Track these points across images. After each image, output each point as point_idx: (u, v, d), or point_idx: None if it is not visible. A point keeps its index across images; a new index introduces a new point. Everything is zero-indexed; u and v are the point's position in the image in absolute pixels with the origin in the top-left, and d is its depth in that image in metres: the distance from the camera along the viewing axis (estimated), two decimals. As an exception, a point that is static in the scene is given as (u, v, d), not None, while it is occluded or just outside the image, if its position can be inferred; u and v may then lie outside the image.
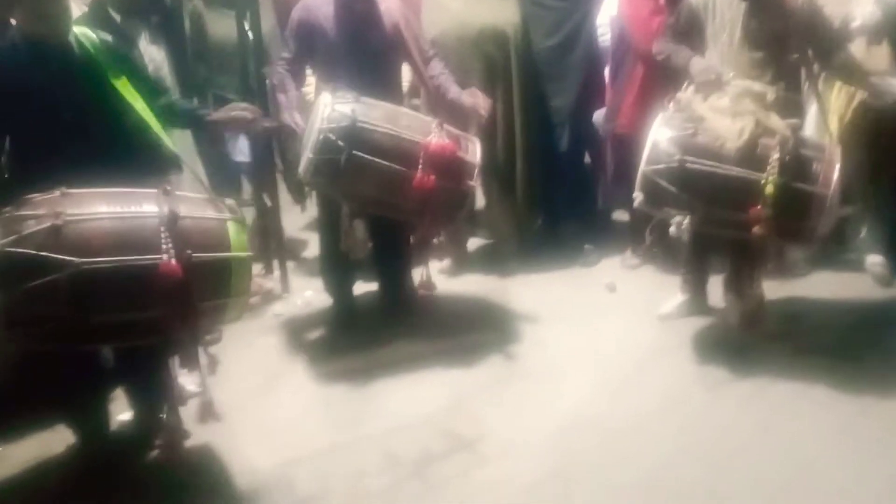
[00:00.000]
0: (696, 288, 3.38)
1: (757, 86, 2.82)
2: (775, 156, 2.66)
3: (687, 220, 2.76)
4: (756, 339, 3.12)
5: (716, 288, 3.39)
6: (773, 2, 2.92)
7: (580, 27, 3.87)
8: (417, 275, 3.49)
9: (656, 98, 3.45)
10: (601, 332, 3.36)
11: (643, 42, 3.64)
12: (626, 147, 3.68)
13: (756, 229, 2.67)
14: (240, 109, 2.61)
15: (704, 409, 2.81)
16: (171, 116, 2.55)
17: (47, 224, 2.03)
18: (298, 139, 3.23)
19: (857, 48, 3.32)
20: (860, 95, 3.37)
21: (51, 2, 2.25)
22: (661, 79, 3.48)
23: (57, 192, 2.11)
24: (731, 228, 2.80)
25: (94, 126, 2.32)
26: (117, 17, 3.21)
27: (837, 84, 3.42)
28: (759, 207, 2.65)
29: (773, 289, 3.43)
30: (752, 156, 2.70)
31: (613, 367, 3.09)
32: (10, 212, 2.08)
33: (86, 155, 2.26)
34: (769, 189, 2.65)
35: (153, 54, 3.35)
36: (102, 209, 2.13)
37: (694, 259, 3.34)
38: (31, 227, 2.04)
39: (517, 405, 2.89)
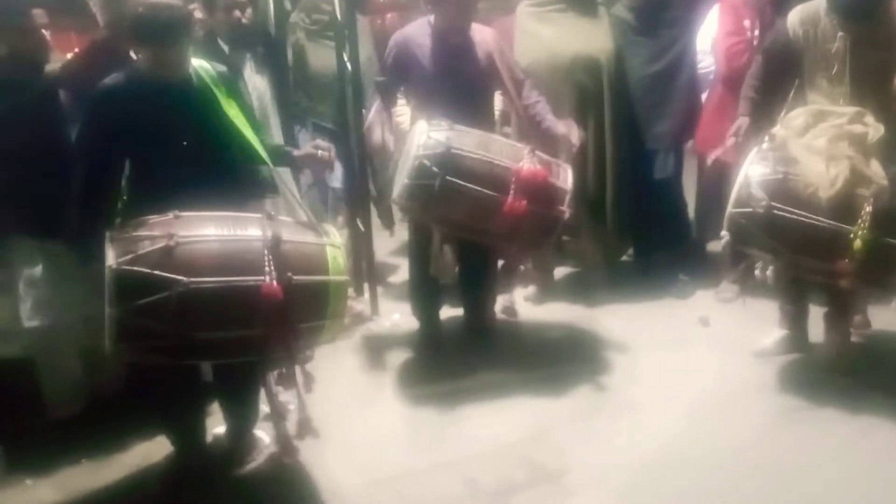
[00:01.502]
0: (795, 323, 3.24)
1: (858, 126, 2.70)
2: (868, 208, 2.55)
3: (772, 265, 2.67)
4: (856, 380, 2.97)
5: (817, 323, 3.25)
6: (881, 32, 2.79)
7: (683, 54, 3.83)
8: (502, 300, 3.51)
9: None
10: (692, 366, 3.27)
11: (725, 65, 3.61)
12: (714, 176, 3.61)
13: (842, 283, 2.59)
14: (319, 148, 2.71)
15: (795, 448, 2.70)
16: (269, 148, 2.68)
17: (161, 245, 2.16)
18: (391, 166, 3.32)
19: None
20: None
21: (175, 53, 2.42)
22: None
23: (170, 215, 2.25)
24: (819, 276, 2.71)
25: (207, 153, 2.47)
26: (225, 48, 3.40)
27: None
28: (846, 261, 2.55)
29: (878, 324, 3.28)
30: (843, 206, 2.59)
31: (703, 402, 3.00)
32: (128, 232, 2.22)
33: (198, 179, 2.40)
34: (857, 244, 2.54)
35: (257, 83, 3.52)
36: (211, 232, 2.25)
37: (791, 294, 3.20)
38: (146, 247, 2.17)
39: (603, 438, 2.85)
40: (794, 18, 2.95)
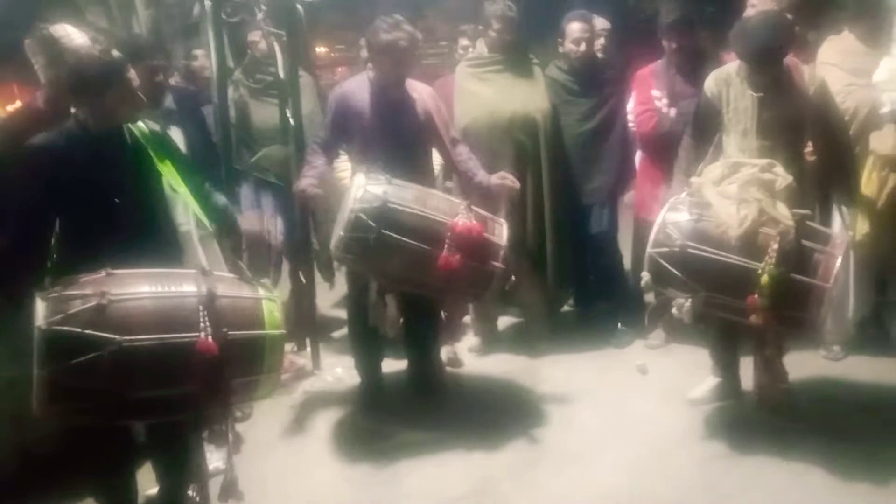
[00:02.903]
0: (726, 371, 3.35)
1: (768, 175, 2.88)
2: (774, 246, 2.70)
3: (688, 303, 2.80)
4: (789, 424, 3.06)
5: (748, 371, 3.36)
6: (785, 91, 3.01)
7: (615, 113, 4.00)
8: (446, 351, 3.52)
9: (660, 181, 3.66)
10: (631, 414, 3.33)
11: (637, 130, 3.86)
12: (642, 230, 3.79)
13: (752, 318, 2.71)
14: (255, 222, 2.78)
15: (734, 495, 2.76)
16: (205, 207, 2.69)
17: (93, 303, 2.13)
18: (331, 219, 3.34)
19: (887, 135, 3.38)
20: (893, 180, 3.41)
21: (108, 102, 2.41)
22: (660, 162, 3.67)
23: (102, 273, 2.22)
24: (732, 314, 2.83)
25: (140, 209, 2.46)
26: None
27: (867, 170, 3.45)
28: (755, 296, 2.68)
29: (808, 371, 3.40)
30: (752, 244, 2.74)
31: (642, 450, 3.05)
32: (59, 291, 2.18)
33: (131, 236, 2.38)
34: (764, 279, 2.68)
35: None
36: (145, 289, 2.24)
37: (720, 342, 3.32)
38: (77, 305, 2.13)
39: (544, 489, 2.86)
40: (710, 81, 3.18)
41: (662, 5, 3.97)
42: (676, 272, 2.81)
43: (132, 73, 2.46)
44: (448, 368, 3.54)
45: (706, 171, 3.02)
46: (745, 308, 2.72)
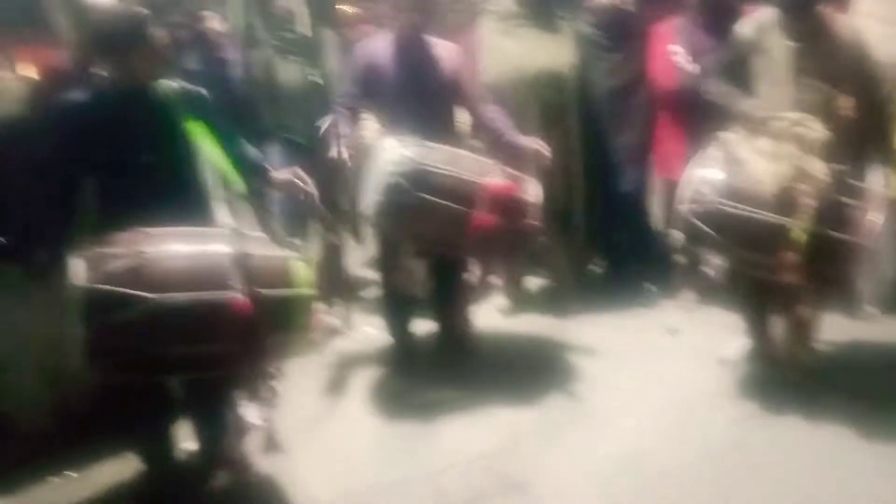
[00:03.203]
0: (758, 331, 3.31)
1: (801, 126, 2.79)
2: (809, 202, 2.63)
3: (722, 262, 2.75)
4: (818, 385, 3.03)
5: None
6: (822, 42, 2.90)
7: (644, 68, 3.91)
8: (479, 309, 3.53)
9: (681, 139, 3.60)
10: (660, 375, 3.31)
11: (655, 88, 3.76)
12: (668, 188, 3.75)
13: (786, 276, 2.64)
14: (298, 178, 2.71)
15: (763, 454, 2.75)
16: (237, 165, 2.67)
17: (128, 262, 2.15)
18: (352, 178, 3.33)
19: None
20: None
21: (135, 60, 2.42)
22: (681, 120, 3.61)
23: (136, 232, 2.24)
24: (767, 272, 2.77)
25: (171, 168, 2.46)
26: None
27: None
28: (788, 253, 2.62)
29: (842, 332, 3.35)
30: (787, 201, 2.67)
31: (671, 411, 3.05)
32: (94, 250, 2.21)
33: (162, 195, 2.39)
34: (800, 235, 2.61)
35: None
36: (178, 247, 2.26)
37: (752, 302, 3.27)
38: (113, 264, 2.16)
39: (573, 448, 2.88)
40: (745, 26, 3.06)
41: None
42: (709, 230, 2.75)
43: (158, 31, 2.44)
44: (479, 326, 3.54)
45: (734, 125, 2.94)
46: (780, 266, 2.66)
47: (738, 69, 3.07)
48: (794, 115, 2.84)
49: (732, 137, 2.88)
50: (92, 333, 2.13)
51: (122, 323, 2.12)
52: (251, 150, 2.78)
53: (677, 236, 2.87)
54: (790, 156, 2.72)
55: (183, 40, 3.28)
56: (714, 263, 2.79)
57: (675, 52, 3.68)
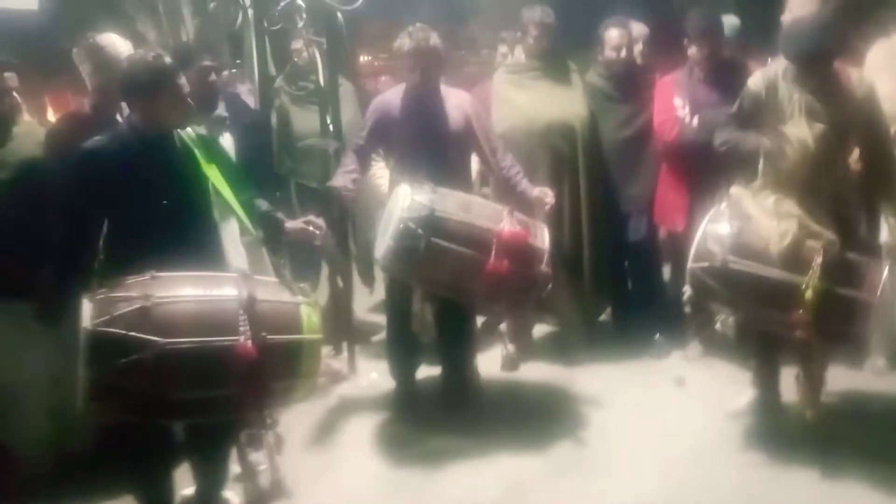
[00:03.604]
0: (766, 383, 3.27)
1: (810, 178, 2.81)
2: (818, 259, 2.65)
3: (732, 318, 2.76)
4: (826, 438, 2.99)
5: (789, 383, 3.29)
6: (832, 95, 2.94)
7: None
8: (486, 357, 3.52)
9: (682, 191, 3.66)
10: (668, 425, 3.28)
11: (658, 140, 3.81)
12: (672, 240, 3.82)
13: (797, 333, 2.66)
14: (312, 225, 2.76)
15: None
16: (249, 213, 2.72)
17: (137, 305, 2.19)
18: (369, 224, 3.38)
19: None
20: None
21: (161, 107, 2.49)
22: (681, 172, 3.67)
23: (147, 276, 2.28)
24: (777, 328, 2.79)
25: (187, 213, 2.52)
26: None
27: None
28: (800, 312, 2.64)
29: (851, 385, 3.33)
30: (795, 258, 2.70)
31: (678, 462, 3.01)
32: (105, 293, 2.25)
33: (176, 239, 2.44)
34: (809, 294, 2.63)
35: None
36: (187, 292, 2.29)
37: (760, 353, 3.25)
38: (122, 308, 2.19)
39: (578, 498, 2.85)
40: (756, 78, 3.10)
41: (692, 12, 3.92)
42: (719, 287, 2.77)
43: (183, 80, 2.52)
44: (504, 370, 3.54)
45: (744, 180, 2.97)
46: (790, 323, 2.67)
47: (749, 123, 3.11)
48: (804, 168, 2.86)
49: (741, 193, 2.91)
50: (98, 375, 2.15)
51: (129, 366, 2.14)
52: (260, 201, 2.81)
53: (687, 291, 2.87)
54: (797, 213, 2.74)
55: (215, 82, 3.35)
56: (725, 319, 2.80)
57: (677, 106, 3.73)
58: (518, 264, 3.00)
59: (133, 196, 2.45)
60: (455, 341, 3.53)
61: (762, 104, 3.05)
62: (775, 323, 2.77)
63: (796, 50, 2.91)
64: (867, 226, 3.22)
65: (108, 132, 2.55)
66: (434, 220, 2.95)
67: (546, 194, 3.40)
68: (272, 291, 2.43)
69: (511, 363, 3.59)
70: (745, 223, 2.82)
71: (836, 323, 2.68)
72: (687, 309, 3.85)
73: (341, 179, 3.38)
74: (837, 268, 2.67)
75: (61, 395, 2.60)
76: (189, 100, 2.53)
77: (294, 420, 3.08)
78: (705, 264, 2.80)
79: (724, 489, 2.83)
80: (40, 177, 2.84)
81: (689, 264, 2.85)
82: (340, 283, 4.01)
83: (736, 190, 2.94)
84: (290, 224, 2.80)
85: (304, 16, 3.79)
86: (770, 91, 3.03)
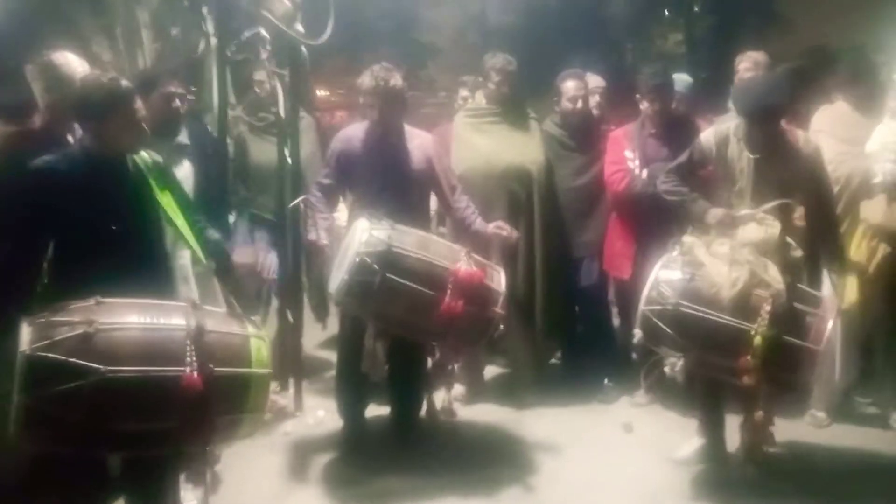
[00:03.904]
0: (712, 432, 3.32)
1: (761, 231, 2.92)
2: (766, 308, 2.73)
3: (681, 362, 2.80)
4: (769, 489, 3.03)
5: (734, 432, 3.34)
6: (781, 154, 3.06)
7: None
8: (438, 400, 3.50)
9: (630, 240, 3.79)
10: (616, 471, 3.29)
11: (608, 190, 3.91)
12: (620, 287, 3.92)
13: (745, 379, 2.72)
14: (248, 256, 2.72)
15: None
16: (202, 242, 2.65)
17: (79, 331, 2.10)
18: (325, 258, 3.36)
19: (878, 205, 3.45)
20: (882, 249, 3.46)
21: (115, 128, 2.43)
22: (630, 222, 3.81)
23: (92, 301, 2.19)
24: (724, 374, 2.85)
25: (136, 239, 2.45)
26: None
27: (857, 238, 3.51)
28: (748, 357, 2.70)
29: (792, 437, 3.39)
30: (744, 306, 2.78)
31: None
32: (46, 317, 2.15)
33: (124, 266, 2.36)
34: (757, 340, 2.71)
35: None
36: (133, 319, 2.21)
37: (708, 402, 3.31)
38: (64, 333, 2.10)
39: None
40: (708, 135, 3.23)
41: (646, 68, 4.07)
42: (669, 330, 2.82)
43: (139, 104, 2.47)
44: (443, 417, 3.52)
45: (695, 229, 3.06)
46: (738, 368, 2.73)
47: (694, 174, 3.23)
48: (752, 212, 2.97)
49: (693, 241, 2.99)
50: (33, 402, 2.05)
51: (67, 393, 2.05)
52: (210, 231, 2.75)
53: (638, 334, 2.91)
54: (747, 262, 2.82)
55: (178, 108, 3.30)
56: (672, 362, 2.84)
57: (627, 158, 3.84)
58: (473, 305, 3.00)
59: (81, 219, 2.38)
60: (406, 380, 3.49)
61: (711, 160, 3.17)
62: (722, 368, 2.83)
63: (749, 105, 3.04)
64: (809, 279, 3.33)
65: (58, 152, 2.48)
66: (391, 255, 2.94)
67: (502, 227, 3.43)
68: (221, 322, 2.36)
69: (449, 412, 3.56)
70: (697, 269, 2.89)
71: (782, 370, 2.75)
72: (635, 353, 3.94)
73: (317, 233, 3.38)
74: (785, 317, 2.75)
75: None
76: (144, 124, 2.48)
77: (237, 457, 2.98)
78: (657, 307, 2.86)
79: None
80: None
81: (641, 307, 2.90)
82: (290, 318, 3.94)
83: (688, 238, 3.02)
84: (238, 258, 2.75)
85: (269, 47, 3.79)
86: (721, 148, 3.16)
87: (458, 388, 4.02)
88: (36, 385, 2.05)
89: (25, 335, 2.09)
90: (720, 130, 3.21)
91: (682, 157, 3.30)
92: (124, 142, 2.47)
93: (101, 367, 2.08)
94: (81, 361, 2.07)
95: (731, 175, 3.12)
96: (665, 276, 2.91)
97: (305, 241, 3.49)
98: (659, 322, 2.84)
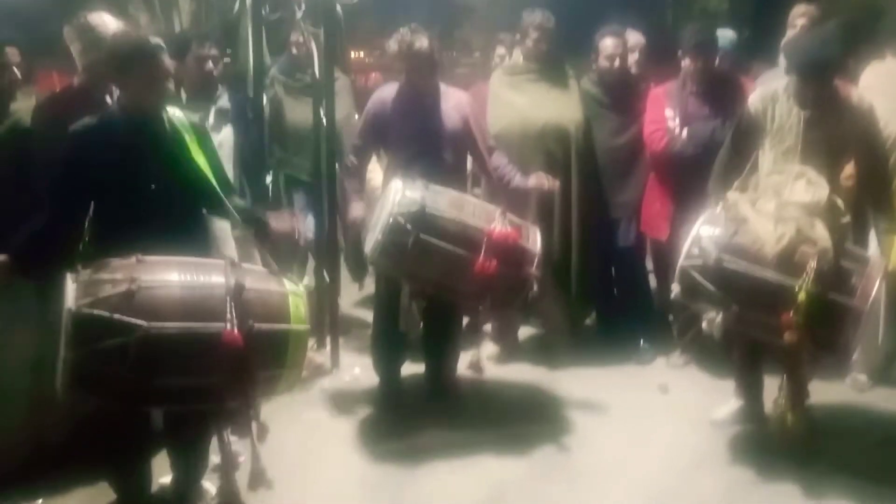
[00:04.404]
0: (750, 394, 3.29)
1: (810, 192, 2.83)
2: (812, 264, 2.66)
3: (720, 318, 2.75)
4: (807, 452, 3.00)
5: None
6: (832, 111, 2.97)
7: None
8: (467, 357, 3.52)
9: (667, 200, 3.70)
10: (650, 433, 3.28)
11: (647, 149, 3.82)
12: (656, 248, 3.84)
13: (787, 335, 2.66)
14: (292, 223, 2.78)
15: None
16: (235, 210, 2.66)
17: (122, 288, 2.15)
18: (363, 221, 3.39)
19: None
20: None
21: (150, 86, 2.45)
22: (668, 182, 3.72)
23: (133, 259, 2.24)
24: (764, 331, 2.79)
25: (174, 197, 2.48)
26: (183, 97, 3.40)
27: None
28: (790, 314, 2.64)
29: (832, 399, 3.35)
30: (789, 261, 2.71)
31: (660, 472, 3.01)
32: (90, 275, 2.20)
33: (163, 223, 2.41)
34: (802, 297, 2.64)
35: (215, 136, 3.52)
36: (174, 277, 2.25)
37: (745, 363, 3.26)
38: (107, 290, 2.15)
39: (559, 501, 2.84)
40: (754, 98, 3.14)
41: (688, 26, 3.95)
42: (709, 286, 2.76)
43: (166, 61, 2.48)
44: (470, 374, 3.54)
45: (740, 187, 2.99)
46: (779, 325, 2.67)
47: (748, 136, 3.13)
48: (794, 169, 2.89)
49: (737, 197, 2.92)
50: (80, 358, 2.11)
51: (112, 349, 2.10)
52: (238, 198, 2.77)
53: (675, 290, 2.87)
54: (792, 218, 2.75)
55: (212, 71, 3.32)
56: (713, 319, 2.79)
57: (667, 117, 3.75)
58: (507, 265, 2.98)
59: (121, 179, 2.42)
60: (441, 339, 3.51)
61: (760, 125, 3.07)
62: (763, 325, 2.76)
63: (802, 59, 2.92)
64: (856, 239, 3.24)
65: (96, 113, 2.51)
66: (424, 216, 2.94)
67: (542, 179, 3.39)
68: (260, 280, 2.39)
69: (478, 368, 3.58)
70: (741, 225, 2.82)
71: (825, 329, 2.68)
72: (672, 309, 3.92)
73: (357, 209, 3.40)
74: (830, 274, 2.68)
75: (41, 379, 2.56)
76: (165, 80, 2.48)
77: (274, 412, 3.04)
78: (698, 262, 2.79)
79: (704, 499, 2.83)
80: (32, 156, 2.80)
81: (681, 262, 2.84)
82: (327, 277, 3.98)
83: (732, 194, 2.95)
84: (274, 225, 2.73)
85: (304, 6, 3.76)
86: (769, 107, 3.05)
87: (491, 348, 4.06)
88: (82, 341, 2.10)
89: (70, 292, 2.14)
90: (767, 90, 3.11)
91: (731, 132, 3.21)
92: (149, 98, 2.47)
93: (144, 323, 2.12)
94: (125, 318, 2.12)
95: (779, 133, 3.02)
96: (707, 232, 2.84)
97: (349, 223, 3.50)
98: (699, 277, 2.78)
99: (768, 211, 2.81)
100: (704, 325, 2.82)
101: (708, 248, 2.79)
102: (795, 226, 2.73)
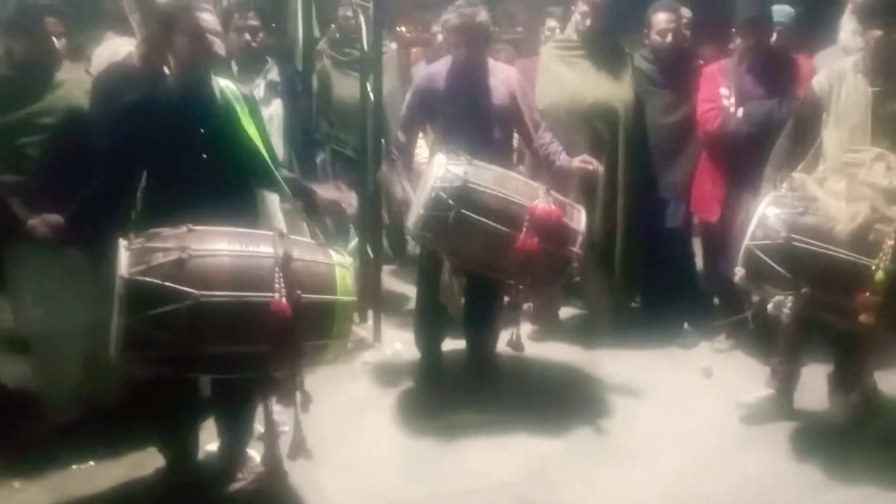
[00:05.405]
0: (784, 385, 3.20)
1: (886, 178, 2.71)
2: (889, 242, 2.54)
3: (789, 301, 2.67)
4: (862, 441, 2.94)
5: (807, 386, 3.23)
6: None
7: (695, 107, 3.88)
8: (507, 335, 3.52)
9: (720, 181, 3.60)
10: (692, 416, 3.25)
11: (700, 129, 3.71)
12: (714, 231, 3.73)
13: (863, 317, 2.55)
14: (340, 194, 2.75)
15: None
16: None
17: (174, 257, 2.18)
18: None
19: None
20: None
21: (199, 42, 2.46)
22: (722, 162, 3.60)
23: (184, 228, 2.27)
24: (836, 314, 2.68)
25: (224, 167, 2.50)
26: (234, 69, 3.43)
27: None
28: (867, 294, 2.54)
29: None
30: (864, 240, 2.59)
31: (700, 454, 2.98)
32: (142, 243, 2.24)
33: (213, 193, 2.43)
34: (879, 276, 2.53)
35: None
36: (224, 247, 2.27)
37: (789, 349, 3.17)
38: (159, 258, 2.18)
39: (598, 482, 2.83)
40: (819, 78, 3.04)
41: (742, 1, 3.82)
42: (778, 267, 2.67)
43: (206, 18, 2.46)
44: (509, 350, 3.54)
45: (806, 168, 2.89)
46: (853, 307, 2.56)
47: (811, 119, 3.03)
48: (871, 151, 2.78)
49: (803, 177, 2.82)
50: (132, 324, 2.15)
51: (163, 316, 2.14)
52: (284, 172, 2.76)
53: (740, 272, 2.79)
54: (866, 196, 2.64)
55: (250, 41, 3.33)
56: (781, 302, 2.71)
57: (722, 95, 3.64)
58: (549, 244, 2.95)
59: (173, 149, 2.45)
60: (482, 316, 3.51)
61: (823, 105, 2.97)
62: (835, 307, 2.65)
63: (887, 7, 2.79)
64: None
65: (153, 84, 2.54)
66: (466, 191, 2.91)
67: (587, 161, 3.33)
68: (308, 251, 2.41)
69: (517, 345, 3.56)
70: (811, 204, 2.72)
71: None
72: (716, 298, 3.83)
73: (402, 190, 3.36)
74: None
75: (95, 344, 2.63)
76: (206, 39, 2.45)
77: (317, 384, 3.08)
78: (766, 242, 2.69)
79: (745, 482, 2.79)
80: (86, 125, 2.84)
81: (746, 243, 2.74)
82: (370, 252, 4.00)
83: (798, 175, 2.86)
84: (323, 196, 2.73)
85: (352, -20, 3.75)
86: (836, 86, 2.95)
87: (532, 326, 4.04)
88: (134, 308, 2.14)
89: (123, 260, 2.17)
90: (834, 69, 2.99)
91: (792, 118, 3.11)
92: (194, 55, 2.46)
93: (194, 291, 2.15)
94: (177, 286, 2.15)
95: (847, 111, 2.90)
96: (774, 211, 2.73)
97: (395, 206, 3.48)
98: (766, 258, 2.68)
99: (839, 190, 2.70)
100: (770, 307, 2.72)
101: (776, 228, 2.68)
102: (870, 204, 2.62)
